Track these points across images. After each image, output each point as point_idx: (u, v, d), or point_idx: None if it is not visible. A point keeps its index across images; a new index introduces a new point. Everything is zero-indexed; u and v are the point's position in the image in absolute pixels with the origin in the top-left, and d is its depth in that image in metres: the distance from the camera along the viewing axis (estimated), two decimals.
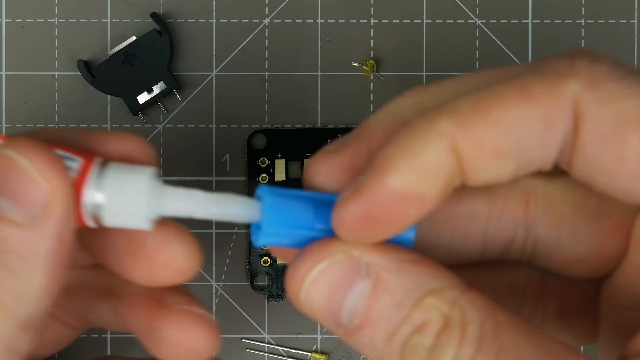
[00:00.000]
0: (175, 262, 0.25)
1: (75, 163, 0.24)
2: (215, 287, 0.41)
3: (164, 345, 0.26)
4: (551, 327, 0.27)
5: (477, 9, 0.41)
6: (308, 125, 0.41)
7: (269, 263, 0.41)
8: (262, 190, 0.23)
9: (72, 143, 0.24)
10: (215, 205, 0.24)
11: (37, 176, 0.23)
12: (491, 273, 0.27)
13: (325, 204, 0.23)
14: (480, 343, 0.21)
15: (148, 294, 0.26)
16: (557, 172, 0.23)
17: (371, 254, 0.22)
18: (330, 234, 0.23)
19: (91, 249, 0.27)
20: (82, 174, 0.23)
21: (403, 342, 0.21)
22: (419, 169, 0.21)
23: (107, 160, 0.24)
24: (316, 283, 0.22)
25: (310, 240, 0.23)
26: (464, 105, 0.21)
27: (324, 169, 0.24)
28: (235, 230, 0.41)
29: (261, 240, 0.23)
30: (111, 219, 0.24)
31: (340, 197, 0.22)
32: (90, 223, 0.24)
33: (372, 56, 0.41)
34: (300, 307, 0.23)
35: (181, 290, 0.27)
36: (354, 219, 0.21)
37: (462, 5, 0.41)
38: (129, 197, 0.23)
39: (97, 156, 0.24)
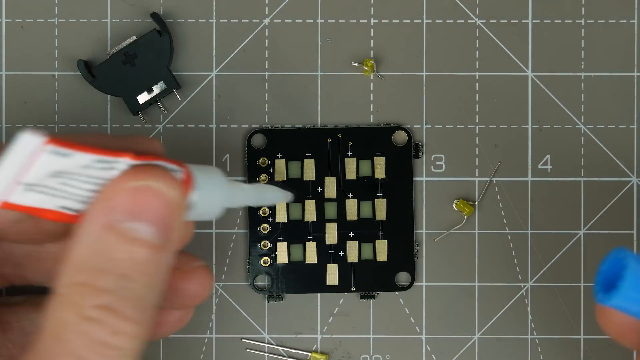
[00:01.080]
0: None
1: (178, 173, 0.28)
2: (215, 287, 0.41)
3: None
4: None
5: (477, 9, 0.41)
6: (308, 125, 0.41)
7: (269, 263, 0.41)
8: (625, 254, 0.25)
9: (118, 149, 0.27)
10: (259, 194, 0.33)
11: (176, 204, 0.26)
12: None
13: None
14: None
15: None
16: None
17: None
18: None
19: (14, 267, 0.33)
20: (187, 182, 0.28)
21: None
22: None
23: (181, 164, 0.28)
24: None
25: None
26: None
27: None
28: (235, 231, 0.41)
29: (616, 300, 0.25)
30: (197, 214, 0.29)
31: None
32: None
33: (372, 56, 0.41)
34: None
35: None
36: None
37: (462, 5, 0.41)
38: (215, 194, 0.29)
39: (184, 163, 0.28)
